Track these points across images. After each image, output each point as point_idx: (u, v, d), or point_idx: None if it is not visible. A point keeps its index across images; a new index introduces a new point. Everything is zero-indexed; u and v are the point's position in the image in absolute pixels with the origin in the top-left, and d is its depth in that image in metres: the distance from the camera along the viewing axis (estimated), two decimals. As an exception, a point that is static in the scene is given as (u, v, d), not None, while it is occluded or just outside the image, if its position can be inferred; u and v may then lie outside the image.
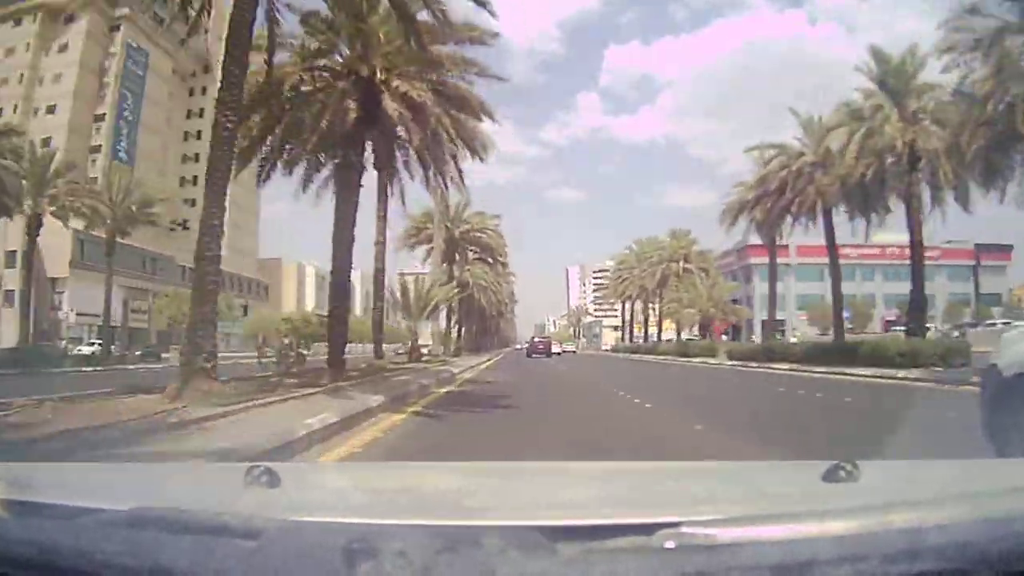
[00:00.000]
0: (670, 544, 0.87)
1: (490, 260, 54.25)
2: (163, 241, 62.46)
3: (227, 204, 11.05)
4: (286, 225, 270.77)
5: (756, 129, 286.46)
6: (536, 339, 59.21)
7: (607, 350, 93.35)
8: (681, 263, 57.14)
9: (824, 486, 1.34)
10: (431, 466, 3.48)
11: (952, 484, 1.55)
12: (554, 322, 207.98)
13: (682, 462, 4.52)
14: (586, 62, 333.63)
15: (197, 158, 72.36)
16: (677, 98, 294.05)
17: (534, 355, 49.83)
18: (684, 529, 0.89)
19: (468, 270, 50.82)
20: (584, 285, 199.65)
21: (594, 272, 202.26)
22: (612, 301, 74.12)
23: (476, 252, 51.14)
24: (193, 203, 71.11)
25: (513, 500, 1.62)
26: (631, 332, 72.62)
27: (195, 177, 72.32)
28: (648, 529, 0.90)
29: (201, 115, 75.27)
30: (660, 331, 62.63)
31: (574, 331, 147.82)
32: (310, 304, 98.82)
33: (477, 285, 52.90)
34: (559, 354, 57.64)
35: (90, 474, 2.15)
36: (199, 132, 74.99)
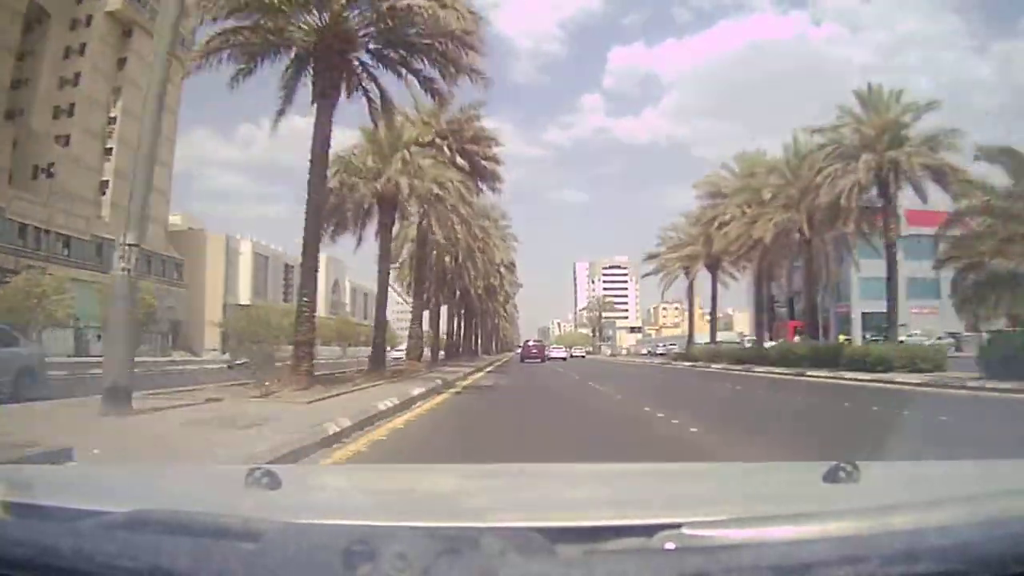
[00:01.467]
0: (670, 545, 0.87)
1: (455, 155, 24.64)
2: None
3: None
4: (222, 185, 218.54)
5: (759, 130, 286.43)
6: (530, 342, 57.23)
7: (658, 352, 67.47)
8: (904, 151, 23.89)
9: (824, 487, 1.34)
10: (431, 468, 3.48)
11: (952, 485, 1.55)
12: (559, 325, 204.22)
13: (682, 463, 4.51)
14: (589, 63, 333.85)
15: (77, 80, 55.93)
16: (681, 99, 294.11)
17: (527, 360, 48.24)
18: (684, 530, 0.89)
19: (404, 159, 21.70)
20: (593, 282, 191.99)
21: (604, 268, 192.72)
22: (663, 279, 44.14)
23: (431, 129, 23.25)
24: (66, 141, 54.05)
25: (513, 502, 1.62)
26: (713, 324, 43.95)
27: (72, 106, 55.41)
28: (648, 530, 0.90)
29: (88, 24, 57.28)
30: (814, 315, 34.50)
31: (594, 331, 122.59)
32: (244, 292, 78.00)
33: (433, 200, 22.95)
34: (564, 359, 51.84)
35: (90, 476, 2.15)
36: (83, 47, 56.43)
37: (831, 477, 1.34)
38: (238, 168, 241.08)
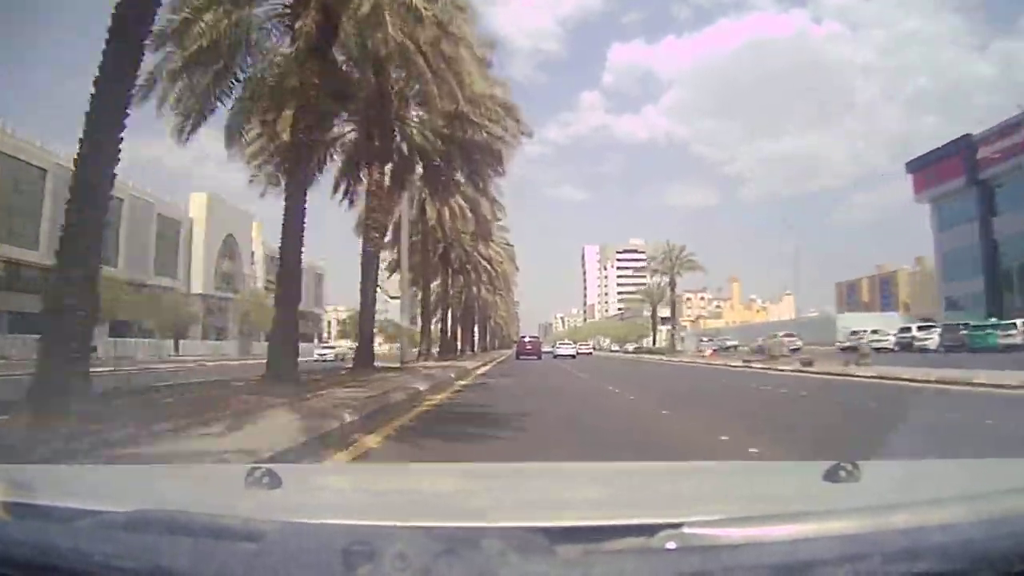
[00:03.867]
0: (671, 545, 0.86)
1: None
2: None
3: None
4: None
5: (760, 128, 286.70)
6: (525, 338, 55.21)
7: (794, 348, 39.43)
8: None
9: (825, 486, 1.34)
10: (431, 468, 3.48)
11: (953, 484, 1.55)
12: (562, 320, 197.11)
13: (683, 462, 4.50)
14: (589, 60, 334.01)
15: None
16: (680, 97, 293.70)
17: (522, 356, 47.38)
18: (685, 530, 0.89)
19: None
20: (605, 269, 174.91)
21: (618, 253, 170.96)
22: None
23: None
24: None
25: (513, 501, 1.62)
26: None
27: None
28: (649, 530, 0.90)
29: None
30: None
31: (655, 311, 74.57)
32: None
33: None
34: (572, 356, 47.95)
35: (90, 476, 2.15)
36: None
37: (832, 476, 1.34)
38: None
